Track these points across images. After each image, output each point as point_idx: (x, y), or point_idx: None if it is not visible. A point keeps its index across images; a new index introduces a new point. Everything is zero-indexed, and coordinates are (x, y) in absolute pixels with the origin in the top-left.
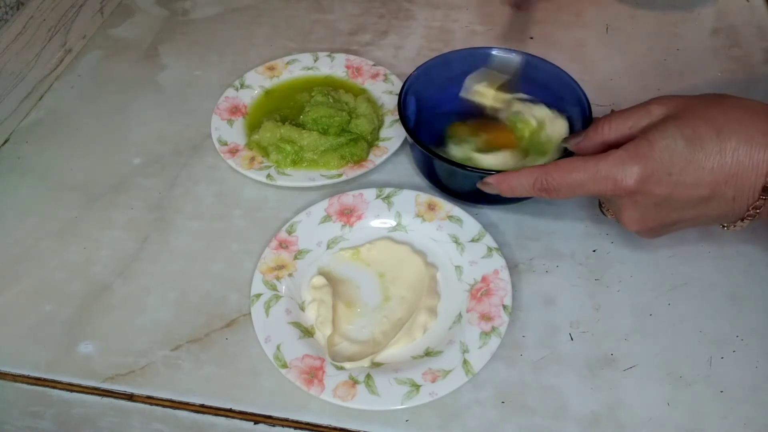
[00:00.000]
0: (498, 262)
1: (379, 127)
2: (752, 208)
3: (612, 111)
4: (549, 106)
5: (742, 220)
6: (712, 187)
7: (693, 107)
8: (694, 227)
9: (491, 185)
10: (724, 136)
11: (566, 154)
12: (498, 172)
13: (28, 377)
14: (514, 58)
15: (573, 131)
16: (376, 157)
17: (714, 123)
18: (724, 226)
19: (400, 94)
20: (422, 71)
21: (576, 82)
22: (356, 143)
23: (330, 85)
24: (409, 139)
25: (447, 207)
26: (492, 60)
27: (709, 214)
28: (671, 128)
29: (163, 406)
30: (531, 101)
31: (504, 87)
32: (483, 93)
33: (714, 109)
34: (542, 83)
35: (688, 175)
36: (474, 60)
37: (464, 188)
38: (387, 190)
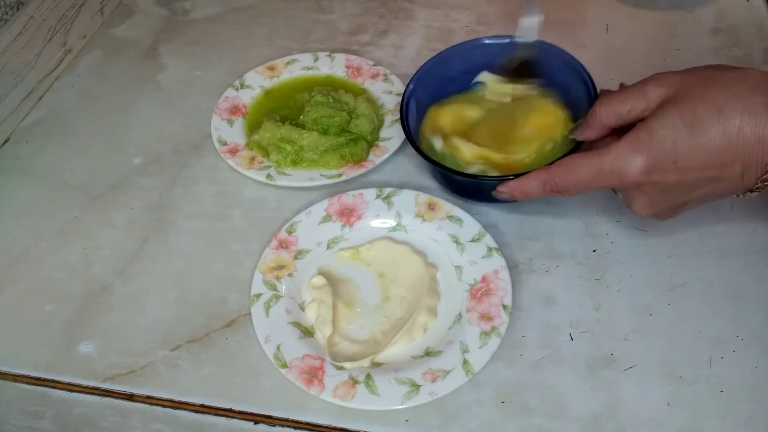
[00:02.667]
0: (498, 262)
1: (379, 127)
2: (761, 181)
3: (600, 91)
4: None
5: (751, 191)
6: (719, 168)
7: (691, 87)
8: (706, 203)
9: (505, 193)
10: (726, 116)
11: (577, 144)
12: (506, 178)
13: (28, 377)
14: (495, 48)
15: (578, 116)
16: (376, 157)
17: (714, 103)
18: (737, 195)
19: (402, 98)
20: (422, 74)
21: (580, 62)
22: (356, 143)
23: (330, 85)
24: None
25: (447, 207)
26: (493, 55)
27: (718, 191)
28: (671, 113)
29: (163, 406)
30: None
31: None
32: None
33: (713, 87)
34: (546, 67)
35: (694, 160)
36: (472, 54)
37: (468, 190)
38: (387, 190)
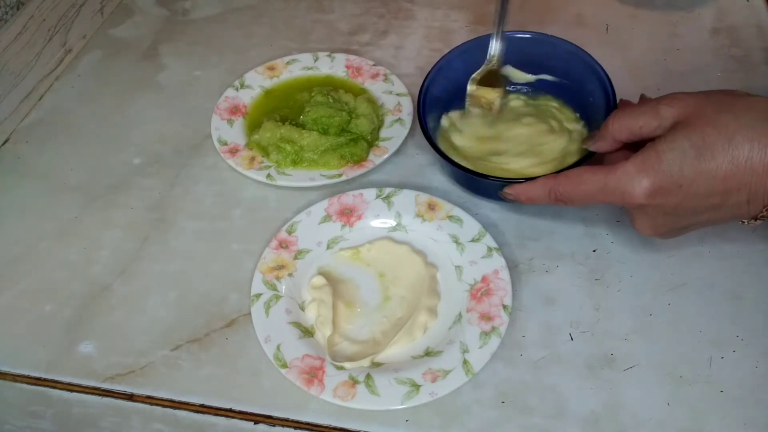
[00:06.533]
0: (498, 262)
1: (379, 127)
2: (766, 209)
3: (620, 100)
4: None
5: (755, 219)
6: (725, 195)
7: (703, 111)
8: (710, 226)
9: (511, 195)
10: (735, 144)
11: (589, 153)
12: (514, 181)
13: (28, 377)
14: (519, 42)
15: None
16: (376, 157)
17: (725, 130)
18: (742, 222)
19: (420, 89)
20: (440, 67)
21: (605, 71)
22: (356, 143)
23: (330, 85)
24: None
25: (447, 207)
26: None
27: (723, 217)
28: (680, 138)
29: (163, 406)
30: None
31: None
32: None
33: (725, 114)
34: (563, 65)
35: (699, 186)
36: (485, 48)
37: (476, 187)
38: (387, 190)
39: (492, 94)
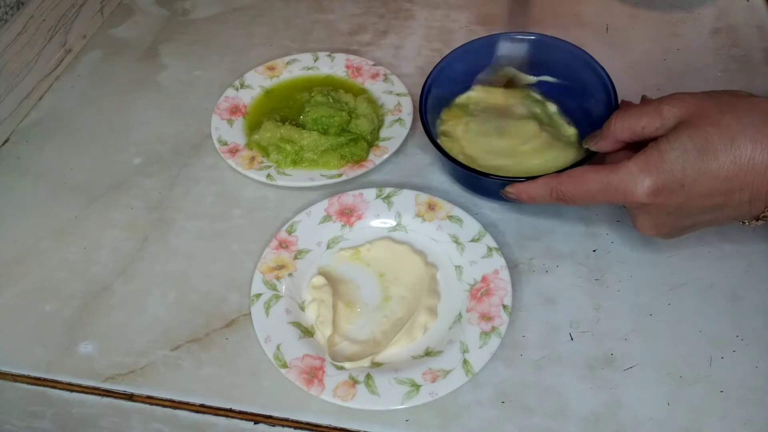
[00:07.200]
0: (498, 262)
1: (379, 127)
2: None
3: (621, 101)
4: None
5: (757, 219)
6: (727, 195)
7: (706, 111)
8: (712, 227)
9: (512, 194)
10: (738, 144)
11: (590, 153)
12: (515, 179)
13: (28, 377)
14: (521, 44)
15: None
16: (376, 157)
17: (728, 130)
18: (743, 222)
19: (423, 88)
20: (442, 67)
21: (606, 72)
22: (356, 143)
23: (330, 85)
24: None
25: (447, 207)
26: (499, 49)
27: (724, 217)
28: (683, 137)
29: (163, 406)
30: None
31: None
32: (489, 93)
33: (728, 114)
34: (564, 66)
35: (701, 186)
36: (496, 48)
37: (477, 186)
38: (387, 190)
39: (503, 98)
